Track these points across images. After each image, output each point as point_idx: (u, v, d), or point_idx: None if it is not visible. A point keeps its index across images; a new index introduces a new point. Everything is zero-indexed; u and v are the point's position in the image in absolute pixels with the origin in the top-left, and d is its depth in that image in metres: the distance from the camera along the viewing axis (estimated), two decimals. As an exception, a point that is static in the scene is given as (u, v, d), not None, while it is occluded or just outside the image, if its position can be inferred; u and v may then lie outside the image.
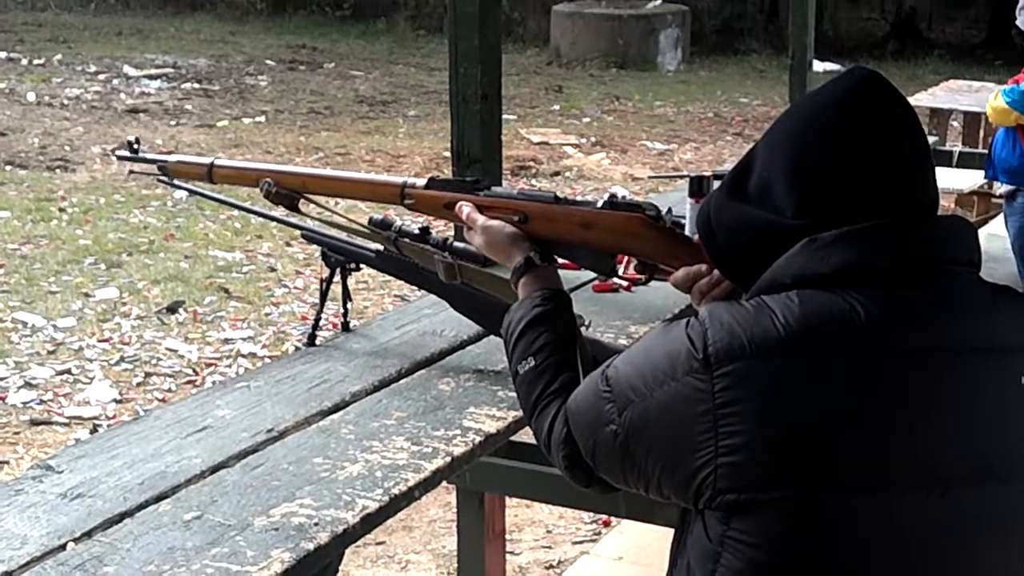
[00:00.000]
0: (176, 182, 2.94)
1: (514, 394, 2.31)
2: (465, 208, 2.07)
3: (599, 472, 1.60)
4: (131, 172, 2.83)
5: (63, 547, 1.77)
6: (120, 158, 2.72)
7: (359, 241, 2.66)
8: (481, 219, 2.02)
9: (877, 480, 1.39)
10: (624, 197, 2.08)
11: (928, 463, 1.40)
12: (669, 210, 2.03)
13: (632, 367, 1.52)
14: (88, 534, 1.81)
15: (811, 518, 1.39)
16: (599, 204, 2.03)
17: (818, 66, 9.28)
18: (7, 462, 4.75)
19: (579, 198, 2.20)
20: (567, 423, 1.63)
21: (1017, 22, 5.38)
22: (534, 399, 1.74)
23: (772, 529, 1.40)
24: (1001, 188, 5.54)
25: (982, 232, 6.09)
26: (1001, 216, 5.67)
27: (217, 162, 2.61)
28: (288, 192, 2.51)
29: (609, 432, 1.52)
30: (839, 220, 1.45)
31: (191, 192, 2.90)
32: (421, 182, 2.27)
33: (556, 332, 1.78)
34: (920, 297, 1.44)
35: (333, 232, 2.66)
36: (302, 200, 2.52)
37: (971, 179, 6.60)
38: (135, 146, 2.67)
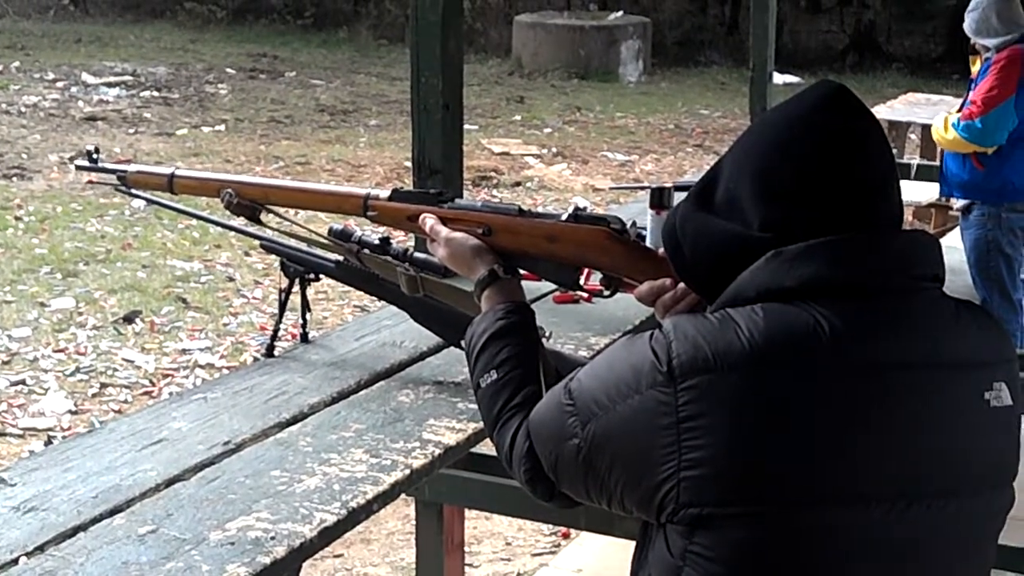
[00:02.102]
0: (134, 191, 2.92)
1: (474, 406, 2.31)
2: (428, 220, 2.06)
3: (561, 487, 1.59)
4: (89, 182, 2.80)
5: (15, 562, 1.74)
6: (79, 167, 2.69)
7: (318, 251, 2.64)
8: (444, 231, 2.01)
9: (838, 495, 1.39)
10: (587, 210, 2.08)
11: (891, 478, 1.40)
12: (633, 223, 2.03)
13: (596, 380, 1.51)
14: (41, 548, 1.78)
15: (772, 534, 1.38)
16: (563, 217, 2.02)
17: (778, 78, 9.34)
18: (-40, 473, 4.69)
19: (543, 210, 2.19)
20: (529, 437, 1.62)
21: (964, 25, 5.41)
22: (496, 413, 1.72)
23: (734, 544, 1.39)
24: (958, 203, 5.58)
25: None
26: (958, 228, 5.72)
27: (178, 172, 2.59)
28: (249, 203, 2.49)
29: (572, 446, 1.51)
30: (805, 233, 1.45)
31: (149, 201, 2.88)
32: (384, 194, 2.26)
33: (519, 346, 1.77)
34: (885, 311, 1.44)
35: (292, 242, 2.64)
36: (263, 211, 2.50)
37: (929, 192, 6.64)
38: (94, 155, 2.64)
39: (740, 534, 1.38)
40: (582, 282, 3.22)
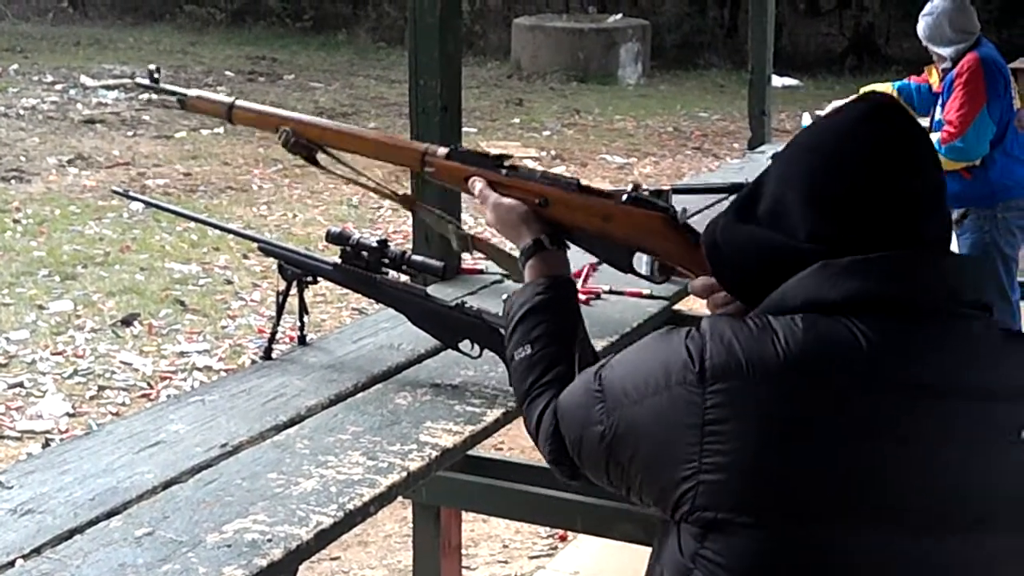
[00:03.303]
0: (131, 193, 2.92)
1: (471, 408, 2.32)
2: (478, 184, 2.05)
3: (584, 469, 1.60)
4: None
5: (11, 564, 1.74)
6: (139, 86, 2.67)
7: (316, 254, 2.64)
8: (493, 196, 2.01)
9: (856, 516, 1.36)
10: (646, 191, 2.03)
11: (917, 505, 1.38)
12: (684, 210, 2.01)
13: (626, 370, 1.52)
14: (37, 551, 1.78)
15: (784, 548, 1.37)
16: (623, 198, 1.99)
17: (777, 81, 9.34)
18: (-42, 476, 4.69)
19: (605, 187, 2.14)
20: (556, 417, 1.63)
21: (918, 29, 5.38)
22: (527, 388, 1.74)
23: (744, 553, 1.38)
24: (953, 214, 5.58)
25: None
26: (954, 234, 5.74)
27: (238, 103, 2.58)
28: (306, 142, 2.46)
29: (596, 432, 1.52)
30: (853, 246, 1.43)
31: (148, 204, 2.88)
32: (443, 150, 2.24)
33: (555, 322, 1.78)
34: (928, 334, 1.42)
35: (290, 245, 2.64)
36: (319, 151, 2.47)
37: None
38: (155, 75, 2.63)
39: (752, 544, 1.37)
40: (580, 283, 3.23)
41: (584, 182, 2.05)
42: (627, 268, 2.06)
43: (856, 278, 1.42)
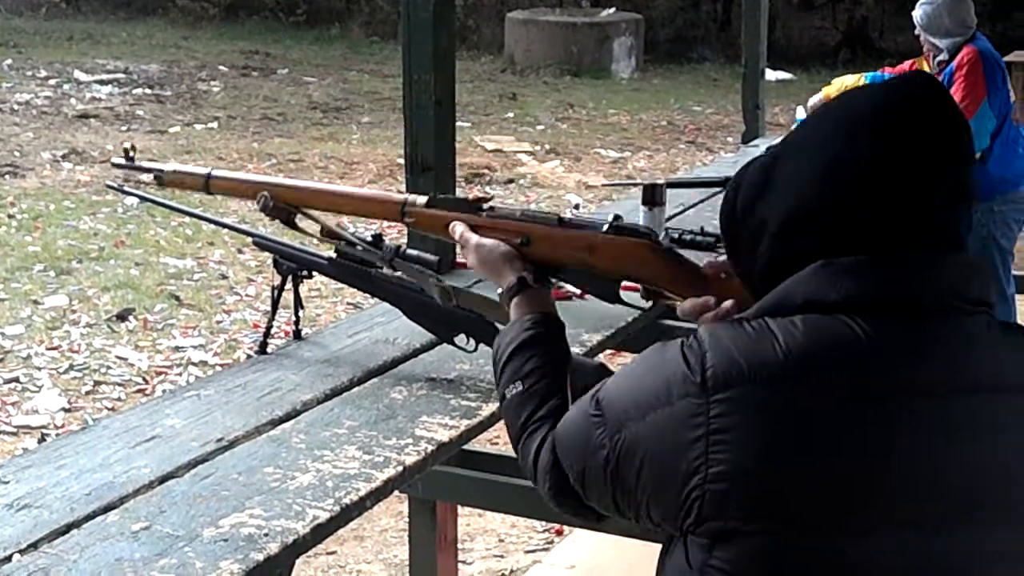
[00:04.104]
0: (127, 188, 2.92)
1: (467, 402, 2.33)
2: (458, 228, 2.03)
3: (589, 500, 1.55)
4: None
5: (8, 559, 1.75)
6: (115, 165, 2.67)
7: (311, 248, 2.64)
8: (474, 238, 1.98)
9: (865, 517, 1.35)
10: (620, 218, 2.01)
11: (928, 503, 1.36)
12: (666, 232, 2.00)
13: (625, 389, 1.48)
14: (34, 545, 1.78)
15: (794, 552, 1.35)
16: (604, 228, 1.97)
17: (771, 75, 9.35)
18: (-47, 471, 4.69)
19: (584, 216, 2.13)
20: (554, 451, 1.58)
21: (915, 16, 5.37)
22: (520, 424, 1.69)
23: (754, 561, 1.36)
24: None
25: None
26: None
27: (214, 173, 2.58)
28: (284, 207, 2.47)
29: (600, 458, 1.47)
30: (859, 244, 1.40)
31: (142, 199, 2.88)
32: (422, 200, 2.24)
33: (546, 357, 1.74)
34: (930, 334, 1.39)
35: (285, 239, 2.64)
36: (299, 215, 2.48)
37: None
38: (131, 154, 2.62)
39: (761, 551, 1.35)
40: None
41: (564, 215, 2.03)
42: (615, 299, 2.05)
43: (857, 279, 1.39)
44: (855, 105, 1.48)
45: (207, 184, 2.56)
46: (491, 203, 2.11)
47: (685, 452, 1.37)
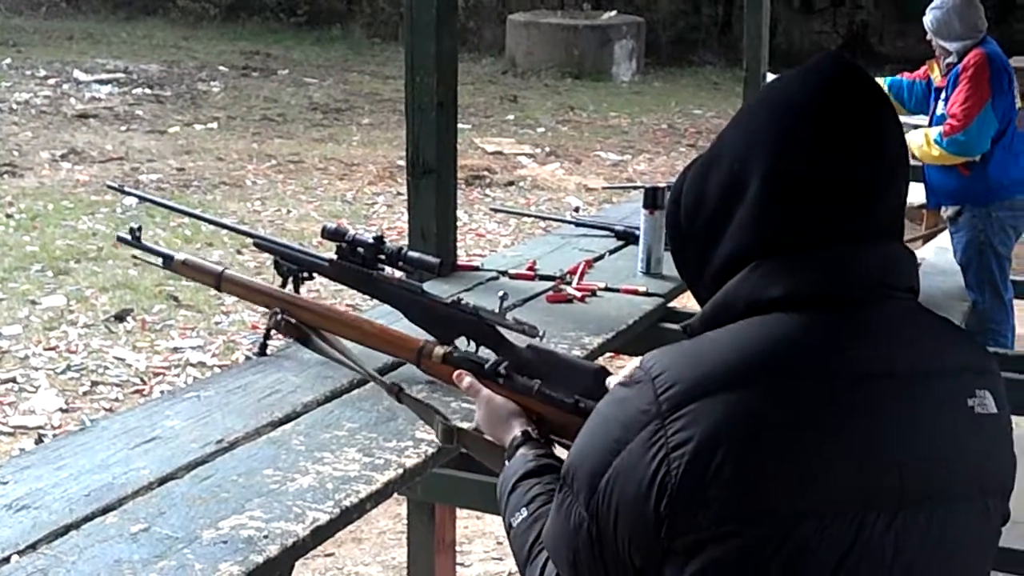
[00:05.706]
0: (126, 188, 2.91)
1: (467, 405, 2.32)
2: (466, 379, 1.99)
3: None
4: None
5: (7, 560, 1.74)
6: (121, 240, 2.63)
7: (311, 250, 2.64)
8: (484, 392, 1.95)
9: (828, 507, 1.37)
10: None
11: (880, 487, 1.39)
12: None
13: (587, 450, 1.48)
14: (33, 546, 1.78)
15: (768, 545, 1.36)
16: None
17: (771, 78, 9.34)
18: (-49, 471, 4.68)
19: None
20: (551, 560, 1.56)
21: (925, 20, 5.39)
22: (527, 549, 1.65)
23: (734, 561, 1.36)
24: (948, 211, 5.56)
25: (931, 245, 6.13)
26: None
27: (227, 272, 2.56)
28: (297, 325, 2.44)
29: (584, 536, 1.46)
30: (794, 240, 1.44)
31: (141, 199, 2.88)
32: (439, 351, 2.23)
33: (551, 484, 1.69)
34: (862, 322, 1.43)
35: (285, 240, 2.63)
36: (313, 335, 2.44)
37: (920, 193, 6.64)
38: (137, 233, 2.58)
39: (739, 550, 1.36)
40: (575, 281, 3.23)
41: (579, 398, 1.90)
42: None
43: (784, 277, 1.43)
44: (773, 99, 1.54)
45: (219, 282, 2.55)
46: (506, 365, 2.03)
47: (649, 478, 1.38)
